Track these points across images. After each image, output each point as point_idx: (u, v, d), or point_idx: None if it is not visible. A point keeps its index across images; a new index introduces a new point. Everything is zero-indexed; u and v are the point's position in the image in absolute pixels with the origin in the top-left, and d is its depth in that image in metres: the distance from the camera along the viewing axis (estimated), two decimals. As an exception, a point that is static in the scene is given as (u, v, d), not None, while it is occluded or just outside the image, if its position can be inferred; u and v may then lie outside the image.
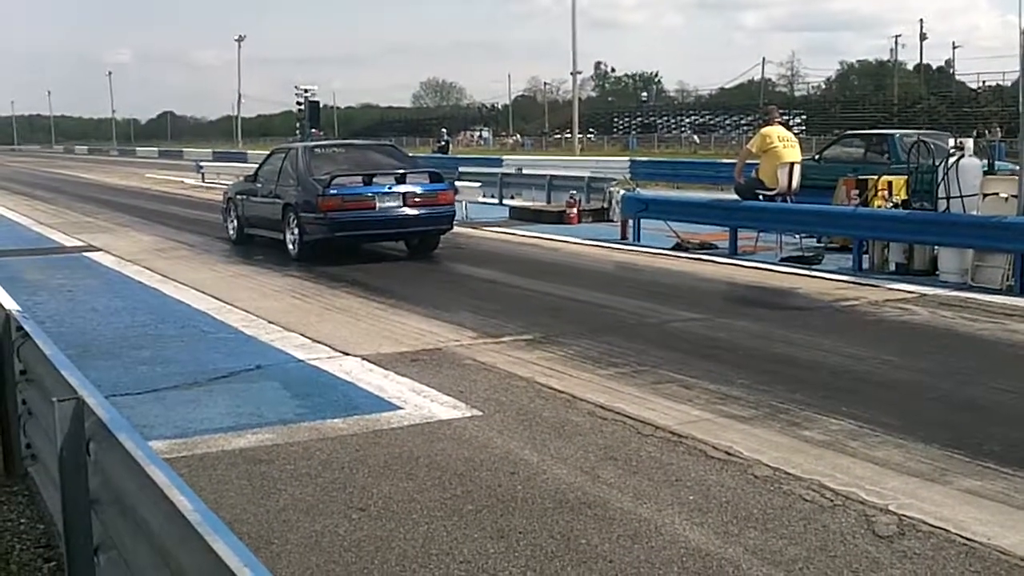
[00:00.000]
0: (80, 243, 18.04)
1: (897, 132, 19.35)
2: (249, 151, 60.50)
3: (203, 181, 38.37)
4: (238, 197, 17.62)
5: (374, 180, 14.98)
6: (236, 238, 17.62)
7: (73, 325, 10.26)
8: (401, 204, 14.97)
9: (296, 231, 15.12)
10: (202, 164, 43.22)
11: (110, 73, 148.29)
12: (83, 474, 3.81)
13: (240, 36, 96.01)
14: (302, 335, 9.48)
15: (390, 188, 14.96)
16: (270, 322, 10.14)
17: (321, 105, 48.53)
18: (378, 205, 14.85)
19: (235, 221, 17.67)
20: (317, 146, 17.63)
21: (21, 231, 21.02)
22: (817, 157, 19.38)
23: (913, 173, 13.32)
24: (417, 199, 15.07)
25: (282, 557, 4.62)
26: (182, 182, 40.05)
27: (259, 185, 16.74)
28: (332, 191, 14.61)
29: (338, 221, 14.62)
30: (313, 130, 41.82)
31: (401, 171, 15.42)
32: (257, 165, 18.29)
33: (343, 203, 14.64)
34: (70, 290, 12.69)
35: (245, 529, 4.82)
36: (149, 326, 10.19)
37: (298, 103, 44.98)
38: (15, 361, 5.49)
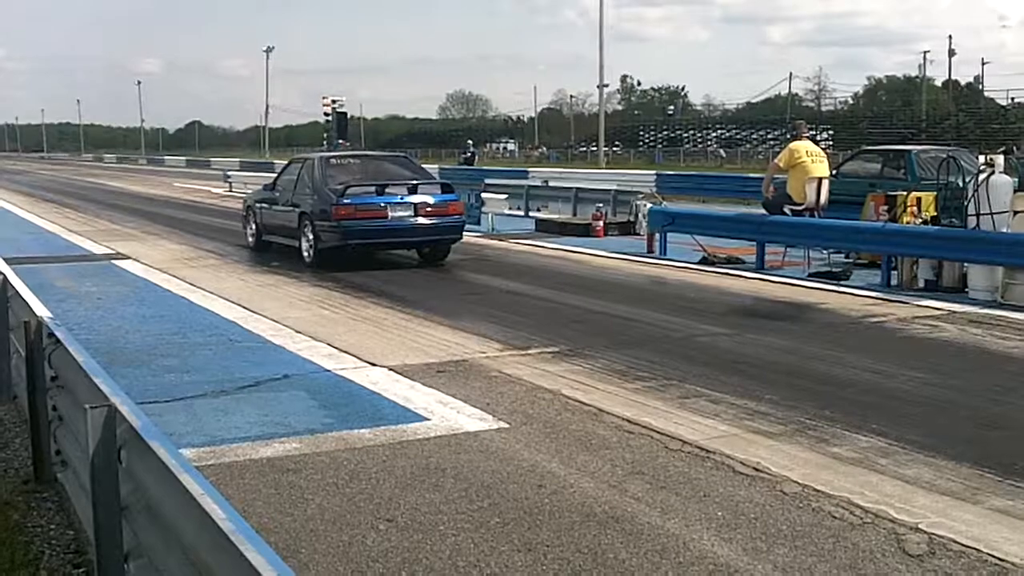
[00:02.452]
0: (109, 251, 18.16)
1: (914, 148, 19.24)
2: (275, 161, 60.81)
3: (230, 190, 38.59)
4: (257, 205, 18.04)
5: (386, 190, 15.39)
6: (255, 245, 18.05)
7: (102, 332, 10.32)
8: (412, 214, 15.37)
9: (311, 238, 15.51)
10: (230, 174, 43.50)
11: (139, 82, 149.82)
12: (114, 481, 3.83)
13: (268, 47, 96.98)
14: (329, 345, 9.51)
15: (402, 198, 15.38)
16: (297, 332, 10.18)
17: (348, 116, 48.74)
18: (390, 215, 15.27)
19: (254, 228, 18.11)
20: (332, 157, 18.04)
21: (51, 239, 21.19)
22: (835, 172, 19.29)
23: (942, 189, 13.23)
24: (428, 209, 15.47)
25: (310, 567, 4.63)
26: (210, 191, 40.31)
27: (277, 194, 17.17)
28: (346, 200, 15.02)
29: (351, 229, 15.03)
30: (340, 141, 42.00)
31: (413, 182, 15.84)
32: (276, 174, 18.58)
33: (356, 212, 15.06)
34: (99, 298, 12.78)
35: (273, 538, 4.83)
36: (177, 334, 10.25)
37: (326, 114, 45.23)
38: (46, 367, 5.54)
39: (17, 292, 6.96)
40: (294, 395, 7.77)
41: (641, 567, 4.60)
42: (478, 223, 21.18)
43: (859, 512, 5.20)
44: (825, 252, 14.98)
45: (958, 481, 5.68)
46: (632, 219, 20.95)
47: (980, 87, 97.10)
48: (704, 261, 15.63)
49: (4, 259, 8.73)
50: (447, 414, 7.15)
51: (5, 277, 7.51)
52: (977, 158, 14.45)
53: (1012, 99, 75.21)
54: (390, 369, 8.51)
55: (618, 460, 6.12)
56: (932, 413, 7.23)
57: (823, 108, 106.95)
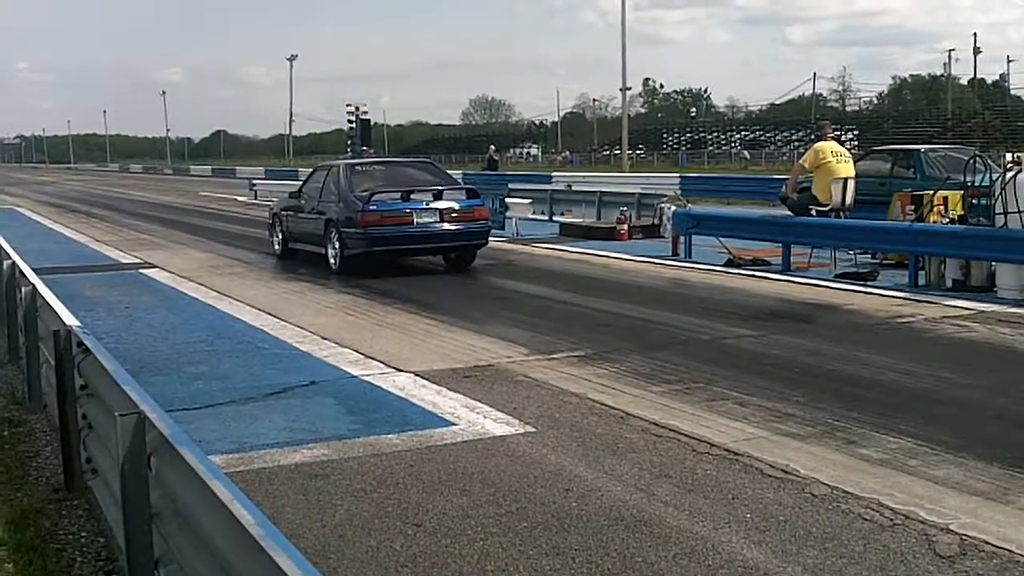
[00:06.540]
0: (136, 260, 18.29)
1: (923, 147, 19.18)
2: (300, 168, 61.04)
3: (255, 199, 38.76)
4: (283, 213, 18.12)
5: (412, 196, 15.42)
6: (281, 252, 18.10)
7: (130, 341, 10.40)
8: (438, 219, 15.38)
9: (337, 245, 15.56)
10: (255, 182, 43.69)
11: (163, 92, 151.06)
12: (144, 488, 3.86)
13: (292, 55, 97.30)
14: (355, 351, 9.54)
15: (427, 204, 15.39)
16: (324, 338, 10.21)
17: (372, 123, 48.92)
18: (416, 220, 15.29)
19: (280, 236, 18.17)
20: (357, 163, 18.15)
21: (79, 248, 21.37)
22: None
23: (969, 189, 13.15)
24: (454, 215, 15.48)
25: (339, 572, 4.65)
26: (235, 200, 40.50)
27: (303, 201, 17.23)
28: (371, 207, 15.06)
29: (377, 236, 15.06)
30: (364, 148, 42.15)
31: (438, 187, 15.87)
32: (301, 182, 18.64)
33: (382, 218, 15.09)
34: (127, 306, 12.87)
35: (302, 544, 4.84)
36: (205, 342, 10.31)
37: (350, 121, 45.40)
38: (76, 376, 5.58)
39: (46, 302, 7.02)
40: (321, 401, 7.80)
41: (670, 570, 4.59)
42: (502, 228, 21.18)
43: (889, 513, 5.17)
44: (852, 253, 14.90)
45: (988, 481, 5.64)
46: (656, 222, 20.84)
47: (1006, 85, 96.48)
48: (729, 263, 15.57)
49: (33, 269, 8.79)
50: (474, 419, 7.16)
51: (34, 287, 7.59)
52: (1005, 156, 14.32)
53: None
54: (416, 374, 8.52)
55: (645, 463, 6.11)
56: (961, 413, 7.18)
57: (848, 108, 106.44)
